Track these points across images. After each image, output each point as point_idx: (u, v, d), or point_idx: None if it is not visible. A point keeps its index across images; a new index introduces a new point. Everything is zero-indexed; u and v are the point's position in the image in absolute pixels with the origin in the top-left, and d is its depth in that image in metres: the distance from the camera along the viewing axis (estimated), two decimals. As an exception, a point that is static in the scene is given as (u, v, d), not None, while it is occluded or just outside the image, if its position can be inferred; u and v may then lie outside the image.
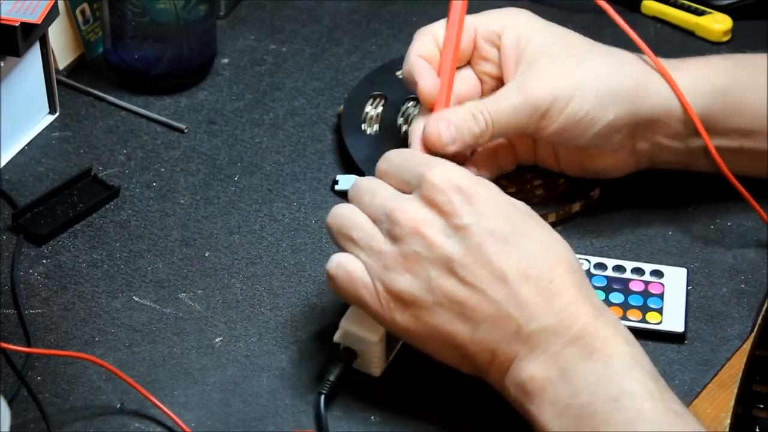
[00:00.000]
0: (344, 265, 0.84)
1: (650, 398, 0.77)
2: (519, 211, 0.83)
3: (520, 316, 0.80)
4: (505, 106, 0.93)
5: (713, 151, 0.96)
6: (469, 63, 0.98)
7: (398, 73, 1.13)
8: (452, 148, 0.93)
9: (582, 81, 0.94)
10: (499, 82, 0.97)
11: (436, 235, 0.81)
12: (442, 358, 0.84)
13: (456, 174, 0.83)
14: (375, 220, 0.84)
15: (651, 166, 1.00)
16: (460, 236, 0.81)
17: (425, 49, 0.97)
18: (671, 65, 0.97)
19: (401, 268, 0.82)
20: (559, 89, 0.93)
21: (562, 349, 0.79)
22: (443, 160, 0.85)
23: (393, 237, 0.82)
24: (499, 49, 0.96)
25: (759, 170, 0.99)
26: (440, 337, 0.82)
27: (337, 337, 0.87)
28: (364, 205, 0.85)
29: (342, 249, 0.85)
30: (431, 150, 0.93)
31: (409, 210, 0.82)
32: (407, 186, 0.84)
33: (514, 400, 0.81)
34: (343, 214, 0.85)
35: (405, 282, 0.82)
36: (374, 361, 0.88)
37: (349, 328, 0.87)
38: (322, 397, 0.86)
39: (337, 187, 1.03)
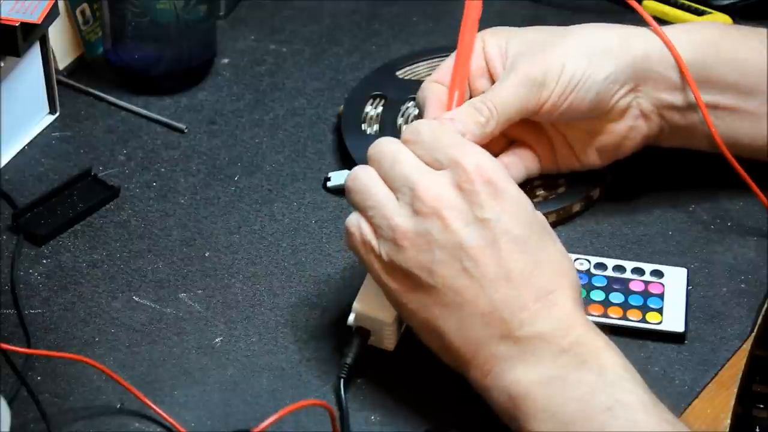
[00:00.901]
0: (361, 225, 0.84)
1: (643, 409, 0.77)
2: (538, 220, 0.83)
3: (513, 319, 0.80)
4: (502, 90, 0.93)
5: (699, 100, 0.96)
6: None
7: (398, 73, 1.13)
8: None
9: (570, 48, 0.95)
10: None
11: (455, 220, 0.81)
12: (425, 341, 0.84)
13: (489, 165, 0.82)
14: (394, 189, 0.83)
15: (661, 133, 0.99)
16: (478, 227, 0.81)
17: (442, 76, 0.96)
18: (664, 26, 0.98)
19: (409, 243, 0.82)
20: (549, 61, 0.94)
21: (553, 357, 0.79)
22: (478, 146, 0.85)
23: (413, 210, 0.82)
24: (486, 62, 0.96)
25: (759, 141, 0.98)
26: (427, 322, 0.82)
27: (350, 320, 0.88)
28: (384, 170, 0.84)
29: (358, 211, 0.85)
30: None
31: (435, 189, 0.82)
32: (437, 163, 0.83)
33: (498, 403, 0.81)
34: (362, 179, 0.85)
35: (409, 258, 0.82)
36: (388, 338, 0.88)
37: (362, 310, 0.88)
38: (342, 381, 0.86)
39: (329, 184, 1.03)
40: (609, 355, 0.79)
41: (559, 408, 0.78)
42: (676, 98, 0.97)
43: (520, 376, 0.79)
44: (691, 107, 0.98)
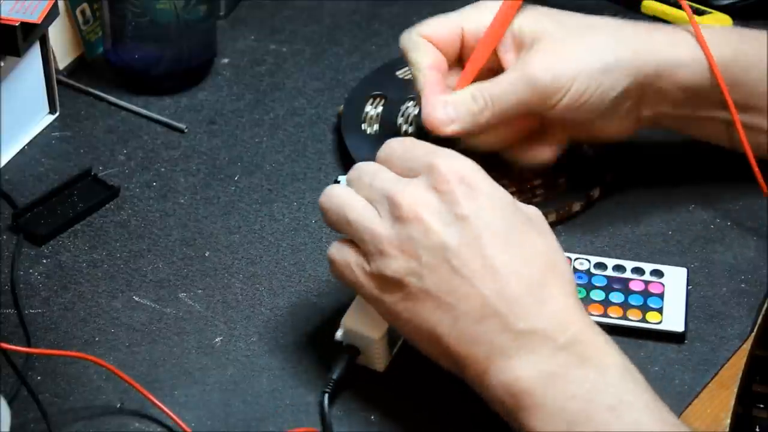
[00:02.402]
0: (342, 250, 0.84)
1: (647, 410, 0.77)
2: (522, 214, 0.83)
3: (509, 314, 0.79)
4: (505, 85, 0.93)
5: (739, 126, 0.96)
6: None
7: (398, 72, 1.13)
8: (450, 128, 0.93)
9: (584, 57, 0.94)
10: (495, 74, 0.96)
11: (435, 221, 0.81)
12: (422, 349, 0.83)
13: (463, 165, 0.82)
14: (372, 201, 0.83)
15: (653, 127, 1.00)
16: (459, 225, 0.80)
17: (433, 31, 0.95)
18: (676, 32, 0.97)
19: (395, 250, 0.81)
20: (561, 69, 0.93)
21: (553, 353, 0.78)
22: (451, 150, 0.84)
23: (393, 218, 0.82)
24: None
25: (753, 145, 0.98)
26: (421, 328, 0.82)
27: (338, 335, 0.87)
28: (364, 186, 0.84)
29: (336, 231, 0.85)
30: (432, 132, 0.93)
31: (411, 193, 0.82)
32: (411, 173, 0.83)
33: (499, 401, 0.80)
34: (339, 194, 0.84)
35: (397, 265, 0.81)
36: (377, 357, 0.88)
37: (350, 326, 0.87)
38: (326, 395, 0.86)
39: None
40: (610, 353, 0.79)
41: (561, 405, 0.77)
42: (677, 111, 0.97)
43: (519, 373, 0.78)
44: (686, 118, 0.98)
